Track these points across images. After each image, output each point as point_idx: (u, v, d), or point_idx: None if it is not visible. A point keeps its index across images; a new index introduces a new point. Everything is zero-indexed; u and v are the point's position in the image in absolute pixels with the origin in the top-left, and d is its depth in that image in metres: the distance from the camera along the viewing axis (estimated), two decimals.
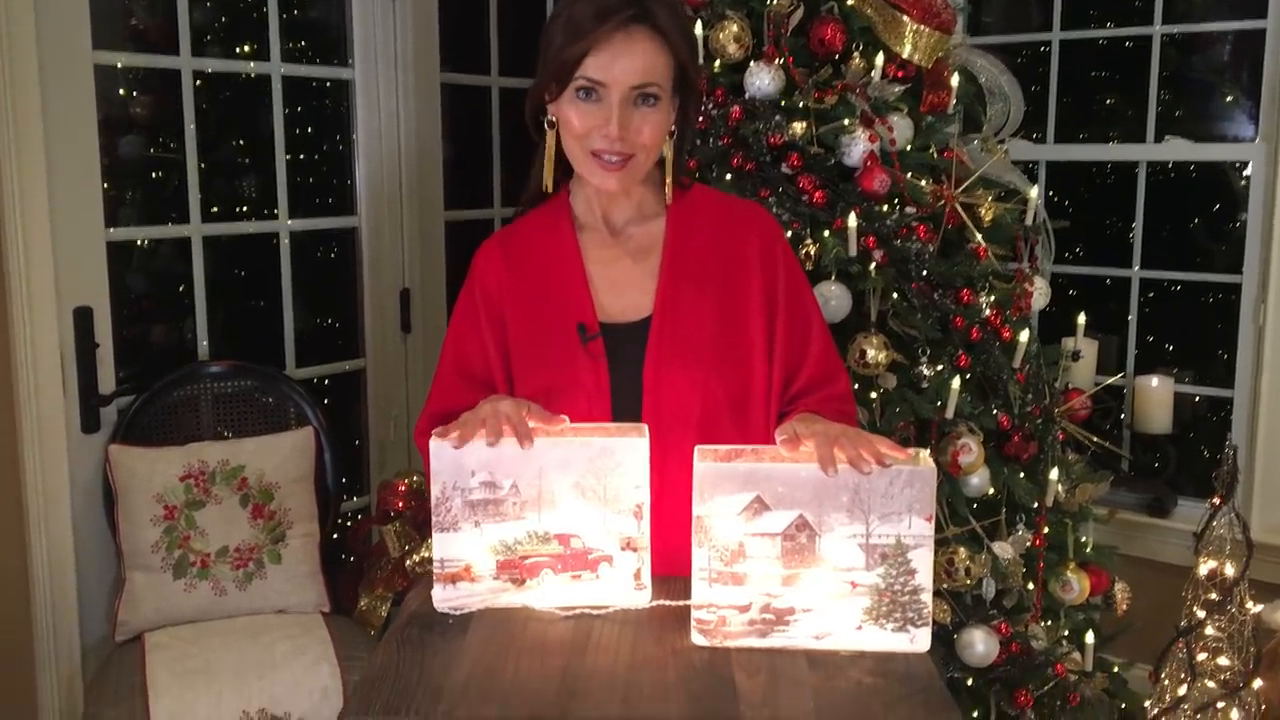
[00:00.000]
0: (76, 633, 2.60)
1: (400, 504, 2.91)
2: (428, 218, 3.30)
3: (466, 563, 1.47)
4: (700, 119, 2.48)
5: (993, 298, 2.56)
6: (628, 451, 1.45)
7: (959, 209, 2.55)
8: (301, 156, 3.12)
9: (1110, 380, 3.22)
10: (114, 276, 2.66)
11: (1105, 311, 3.46)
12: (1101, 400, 3.20)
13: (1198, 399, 3.50)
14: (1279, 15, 3.08)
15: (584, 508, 1.46)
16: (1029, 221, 2.71)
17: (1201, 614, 2.45)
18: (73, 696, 2.60)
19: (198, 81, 2.84)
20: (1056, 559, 2.64)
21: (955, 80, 2.68)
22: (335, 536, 2.93)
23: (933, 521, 1.36)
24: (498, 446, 1.43)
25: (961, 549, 2.44)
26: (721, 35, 2.59)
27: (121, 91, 2.84)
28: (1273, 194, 3.07)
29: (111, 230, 2.67)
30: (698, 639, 1.39)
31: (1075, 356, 2.82)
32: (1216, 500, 2.46)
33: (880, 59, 2.55)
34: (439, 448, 1.44)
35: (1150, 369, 3.44)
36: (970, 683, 2.49)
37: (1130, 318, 3.47)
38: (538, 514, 1.46)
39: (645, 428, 1.50)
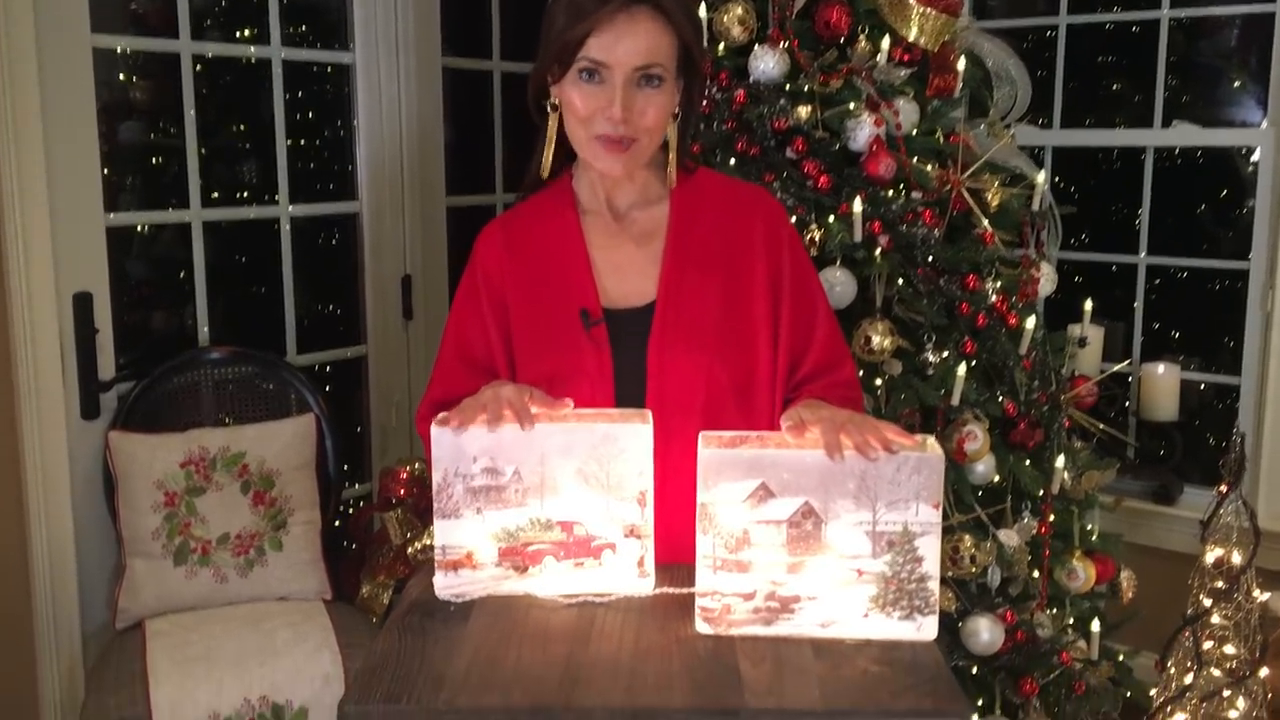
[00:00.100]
0: (77, 620, 2.60)
1: (402, 491, 2.91)
2: (429, 203, 3.28)
3: (468, 550, 1.46)
4: (704, 103, 2.46)
5: (999, 284, 2.54)
6: (631, 437, 1.44)
7: (965, 194, 2.54)
8: (302, 141, 3.11)
9: (1116, 367, 3.20)
10: (114, 262, 2.65)
11: (1111, 298, 3.44)
12: (1107, 387, 3.19)
13: (1204, 386, 3.48)
14: None
15: (587, 494, 1.45)
16: (1036, 207, 2.69)
17: (1208, 602, 2.44)
18: (73, 684, 2.60)
19: (198, 66, 2.82)
20: (1062, 547, 2.62)
21: (962, 64, 2.65)
22: (337, 524, 2.92)
23: (940, 509, 1.34)
24: (499, 431, 1.42)
25: (967, 536, 2.43)
26: (726, 18, 2.57)
27: (121, 76, 2.82)
28: None
29: (111, 215, 2.66)
30: (702, 627, 1.37)
31: (1081, 343, 2.81)
32: (1224, 488, 2.45)
33: (886, 42, 2.53)
34: (440, 433, 1.43)
35: (1156, 356, 3.42)
36: (975, 671, 2.49)
37: (1136, 304, 3.45)
38: (540, 500, 1.45)
39: (649, 413, 1.48)
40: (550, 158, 1.68)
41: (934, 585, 1.35)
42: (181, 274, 2.87)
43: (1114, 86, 3.61)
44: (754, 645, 1.34)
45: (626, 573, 1.47)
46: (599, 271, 1.68)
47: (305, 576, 2.60)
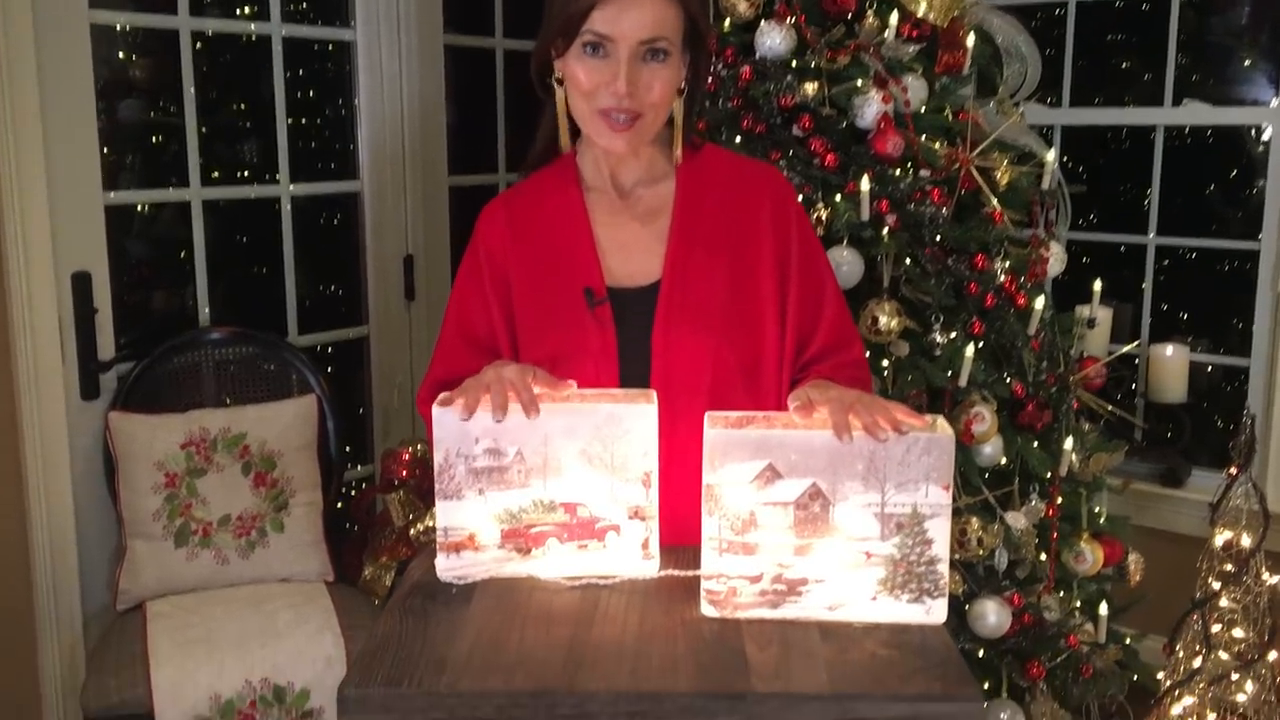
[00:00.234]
0: (78, 601, 2.59)
1: (404, 472, 2.89)
2: (431, 183, 3.26)
3: (470, 531, 1.44)
4: (710, 80, 2.43)
5: (1007, 263, 2.52)
6: (636, 418, 1.42)
7: (974, 173, 2.51)
8: (303, 120, 3.08)
9: (1125, 349, 3.18)
10: (113, 241, 2.63)
11: (1120, 279, 3.42)
12: (1116, 369, 3.17)
13: (1212, 368, 3.46)
14: None
15: (591, 475, 1.43)
16: (1045, 186, 2.66)
17: (1216, 585, 2.42)
18: (74, 665, 2.59)
19: (197, 43, 2.80)
20: (1070, 529, 2.61)
21: (971, 40, 2.62)
22: (339, 505, 2.91)
23: (950, 490, 1.32)
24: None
25: (974, 519, 2.41)
26: None
27: (120, 53, 2.79)
28: None
29: (110, 194, 2.64)
30: (707, 610, 1.35)
31: (1090, 324, 2.78)
32: (1233, 470, 2.43)
33: (894, 18, 2.50)
34: (441, 414, 1.41)
35: (1165, 337, 3.40)
36: (982, 654, 2.47)
37: (1145, 285, 3.42)
38: (543, 482, 1.43)
39: (654, 394, 1.46)
40: (566, 131, 1.65)
41: (944, 568, 1.33)
42: (182, 253, 2.85)
43: (1124, 64, 3.58)
44: (760, 628, 1.32)
45: (631, 555, 1.45)
46: (603, 250, 1.65)
47: (307, 558, 2.59)
